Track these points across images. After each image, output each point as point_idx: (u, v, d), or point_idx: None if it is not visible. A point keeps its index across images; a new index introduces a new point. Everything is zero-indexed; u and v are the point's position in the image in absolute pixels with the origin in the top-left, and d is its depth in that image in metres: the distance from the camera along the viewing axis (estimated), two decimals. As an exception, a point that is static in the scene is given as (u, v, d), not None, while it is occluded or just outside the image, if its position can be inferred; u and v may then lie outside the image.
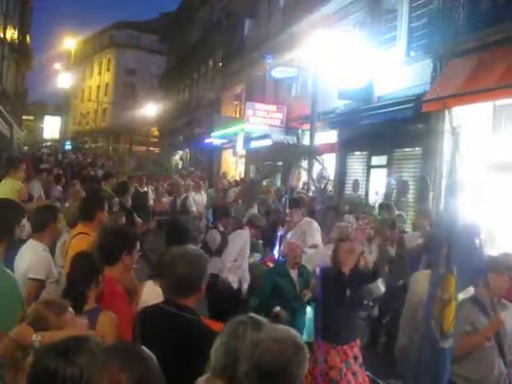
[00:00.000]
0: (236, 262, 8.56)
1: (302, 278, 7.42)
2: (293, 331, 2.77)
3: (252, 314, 2.99)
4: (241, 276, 8.65)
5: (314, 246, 9.37)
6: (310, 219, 10.06)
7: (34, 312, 3.14)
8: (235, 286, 8.55)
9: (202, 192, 17.29)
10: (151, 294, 5.06)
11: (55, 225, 5.59)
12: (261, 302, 7.42)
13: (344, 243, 6.64)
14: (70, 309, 3.21)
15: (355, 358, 6.22)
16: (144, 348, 2.26)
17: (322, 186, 15.41)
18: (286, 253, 7.63)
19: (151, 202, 15.69)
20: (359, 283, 6.51)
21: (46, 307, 3.17)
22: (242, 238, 8.75)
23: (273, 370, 2.55)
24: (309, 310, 7.41)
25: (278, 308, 6.92)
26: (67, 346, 2.40)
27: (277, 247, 10.58)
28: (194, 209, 15.20)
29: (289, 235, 9.62)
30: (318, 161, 15.86)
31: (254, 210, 13.35)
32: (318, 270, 7.24)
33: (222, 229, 9.58)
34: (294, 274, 7.39)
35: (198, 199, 16.23)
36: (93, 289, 3.98)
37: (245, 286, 8.66)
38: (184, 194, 15.56)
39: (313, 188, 15.37)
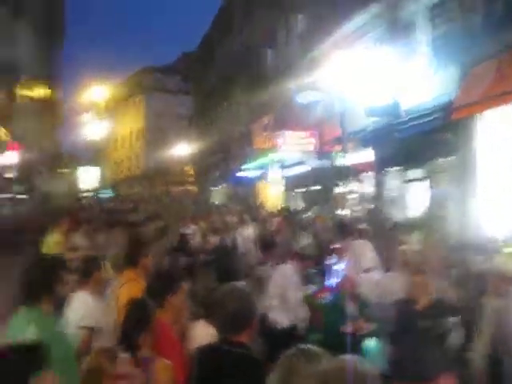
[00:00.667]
0: (283, 298, 8.15)
1: (364, 311, 7.03)
2: (354, 357, 2.70)
3: (303, 346, 2.92)
4: (291, 313, 8.15)
5: (371, 269, 9.06)
6: (361, 240, 9.68)
7: (89, 363, 3.18)
8: (286, 323, 8.09)
9: (249, 226, 16.65)
10: (203, 334, 5.09)
11: (99, 274, 5.70)
12: (327, 339, 6.74)
13: (416, 276, 5.66)
14: (123, 354, 3.25)
15: None
16: None
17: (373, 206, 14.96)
18: (342, 286, 7.21)
19: (193, 242, 14.84)
20: (439, 315, 5.55)
21: (98, 356, 3.21)
22: (282, 274, 8.35)
23: None
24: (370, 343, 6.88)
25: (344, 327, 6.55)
26: None
27: (331, 277, 9.78)
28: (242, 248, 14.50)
29: (343, 263, 9.26)
30: (359, 180, 15.71)
31: (303, 240, 12.59)
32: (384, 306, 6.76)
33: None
34: (352, 308, 6.95)
35: (245, 234, 15.65)
36: (147, 335, 4.00)
37: (301, 324, 8.20)
38: (232, 233, 14.99)
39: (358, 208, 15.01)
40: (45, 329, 3.76)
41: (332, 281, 8.92)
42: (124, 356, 3.17)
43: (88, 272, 5.58)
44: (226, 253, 12.80)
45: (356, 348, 6.34)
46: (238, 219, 17.41)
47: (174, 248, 13.10)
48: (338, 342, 6.24)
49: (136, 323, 4.02)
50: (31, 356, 2.75)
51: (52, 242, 9.71)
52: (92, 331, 5.16)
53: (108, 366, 3.04)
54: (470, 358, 6.04)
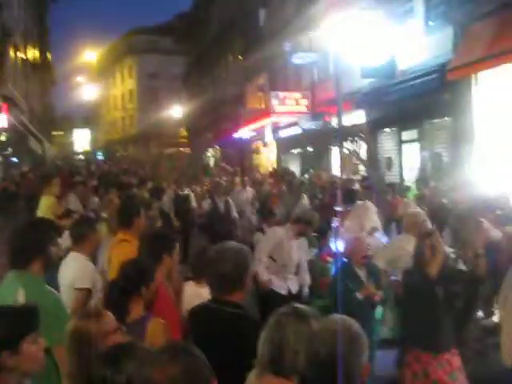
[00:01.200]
0: (277, 262, 7.75)
1: (373, 277, 6.53)
2: (347, 319, 2.74)
3: (295, 305, 2.95)
4: (291, 278, 7.83)
5: (374, 230, 8.93)
6: (362, 202, 9.49)
7: (73, 325, 3.10)
8: (291, 289, 7.77)
9: (247, 188, 15.88)
10: (193, 294, 5.14)
11: (94, 236, 5.67)
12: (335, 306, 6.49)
13: (427, 239, 5.27)
14: (108, 313, 3.19)
15: (459, 368, 5.08)
16: (191, 345, 2.36)
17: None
18: (351, 250, 6.59)
19: (194, 204, 14.74)
20: (451, 282, 5.25)
21: (83, 319, 3.09)
22: (275, 235, 7.89)
23: (328, 360, 2.51)
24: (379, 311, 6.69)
25: (357, 294, 6.16)
26: (115, 353, 2.44)
27: (332, 239, 9.28)
28: (235, 213, 13.63)
29: (346, 225, 8.80)
30: (357, 141, 15.61)
31: (304, 202, 12.34)
32: (391, 272, 6.61)
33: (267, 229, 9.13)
34: (362, 273, 6.50)
35: (243, 197, 15.01)
36: (143, 296, 4.01)
37: (305, 290, 7.93)
38: (226, 195, 13.97)
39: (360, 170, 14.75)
40: (35, 292, 3.74)
41: (337, 244, 8.30)
42: (110, 315, 3.13)
43: (82, 234, 5.54)
44: (218, 217, 12.69)
45: (368, 315, 6.19)
46: (237, 181, 16.67)
47: (174, 210, 13.15)
48: (348, 310, 5.76)
49: (132, 282, 4.01)
50: (21, 319, 2.74)
51: (44, 206, 9.64)
52: (88, 292, 5.16)
53: (94, 326, 2.99)
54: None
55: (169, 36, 65.39)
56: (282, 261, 7.74)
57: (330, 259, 8.74)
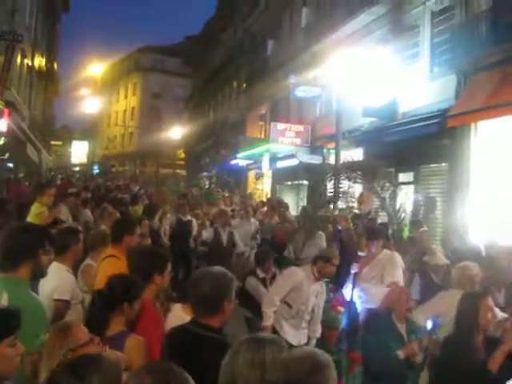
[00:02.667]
0: (291, 308, 6.96)
1: (414, 335, 5.76)
2: (317, 351, 2.72)
3: (258, 334, 3.02)
4: (304, 328, 7.05)
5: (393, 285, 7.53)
6: (390, 252, 8.18)
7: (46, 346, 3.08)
8: (301, 340, 6.97)
9: (252, 219, 14.70)
10: (178, 317, 5.09)
11: (77, 246, 5.66)
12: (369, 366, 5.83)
13: (485, 298, 4.87)
14: (80, 327, 3.18)
15: None
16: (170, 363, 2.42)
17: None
18: (395, 301, 5.87)
19: (194, 232, 13.67)
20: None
21: (54, 336, 3.09)
22: (296, 277, 7.00)
23: None
24: None
25: (399, 353, 5.50)
26: (80, 363, 2.42)
27: (349, 287, 7.65)
28: (242, 246, 12.71)
29: (363, 272, 7.69)
30: (349, 179, 15.40)
31: (321, 242, 11.00)
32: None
33: (262, 275, 8.50)
34: (402, 329, 5.77)
35: (247, 229, 13.84)
36: (125, 312, 4.00)
37: (313, 342, 7.10)
38: (228, 228, 12.65)
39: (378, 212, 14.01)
40: (19, 296, 3.71)
41: (353, 293, 7.29)
42: (82, 328, 3.12)
43: (65, 244, 5.52)
44: (220, 249, 11.87)
45: (405, 378, 5.62)
46: (244, 211, 15.30)
47: (174, 235, 12.80)
48: (383, 368, 5.51)
49: (115, 297, 3.99)
50: (1, 321, 2.72)
51: (33, 214, 9.67)
52: (67, 304, 5.12)
53: (64, 340, 2.98)
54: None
55: (176, 57, 65.88)
56: (298, 307, 6.96)
57: (341, 309, 7.64)
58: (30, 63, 32.74)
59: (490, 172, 13.65)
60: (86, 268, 6.47)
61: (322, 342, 7.07)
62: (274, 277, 8.47)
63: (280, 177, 28.90)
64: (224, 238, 12.22)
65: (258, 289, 8.25)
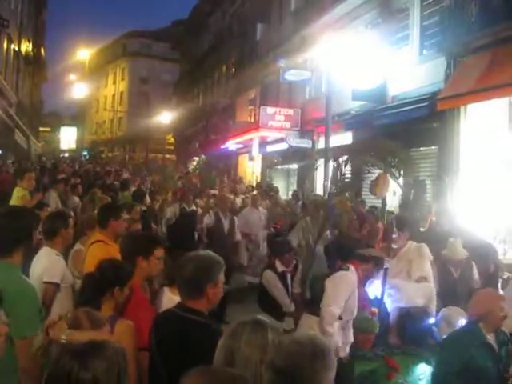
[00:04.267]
0: (341, 320, 5.88)
1: (505, 348, 4.83)
2: (318, 336, 2.74)
3: (258, 316, 2.99)
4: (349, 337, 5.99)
5: (421, 280, 6.90)
6: (419, 245, 7.35)
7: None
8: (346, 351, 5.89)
9: (260, 208, 13.72)
10: (169, 300, 5.07)
11: (66, 231, 5.63)
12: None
13: None
14: (108, 326, 3.28)
15: None
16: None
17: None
18: (489, 311, 4.73)
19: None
20: None
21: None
22: (351, 282, 5.94)
23: (287, 369, 2.51)
24: None
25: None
26: (85, 349, 2.41)
27: (375, 283, 6.62)
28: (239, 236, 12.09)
29: (388, 266, 6.57)
30: (338, 163, 15.31)
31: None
32: None
33: (281, 268, 7.62)
34: (493, 342, 4.76)
35: (255, 218, 13.02)
36: (115, 296, 4.02)
37: (346, 350, 5.92)
38: (231, 214, 12.09)
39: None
40: (10, 279, 3.66)
41: (384, 292, 6.44)
42: (106, 323, 3.19)
43: (54, 228, 5.49)
44: (220, 235, 11.33)
45: None
46: (252, 200, 14.17)
47: (177, 227, 12.28)
48: None
49: (106, 281, 4.01)
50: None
51: (15, 197, 9.74)
52: (57, 287, 5.12)
53: (88, 326, 3.04)
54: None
55: (164, 42, 65.57)
56: (348, 317, 5.94)
57: (375, 310, 6.45)
58: (16, 48, 32.50)
59: (479, 155, 13.67)
60: (77, 253, 6.49)
61: (355, 348, 5.89)
62: (295, 268, 7.79)
63: (270, 160, 28.87)
64: (225, 224, 11.64)
65: (275, 284, 7.48)
